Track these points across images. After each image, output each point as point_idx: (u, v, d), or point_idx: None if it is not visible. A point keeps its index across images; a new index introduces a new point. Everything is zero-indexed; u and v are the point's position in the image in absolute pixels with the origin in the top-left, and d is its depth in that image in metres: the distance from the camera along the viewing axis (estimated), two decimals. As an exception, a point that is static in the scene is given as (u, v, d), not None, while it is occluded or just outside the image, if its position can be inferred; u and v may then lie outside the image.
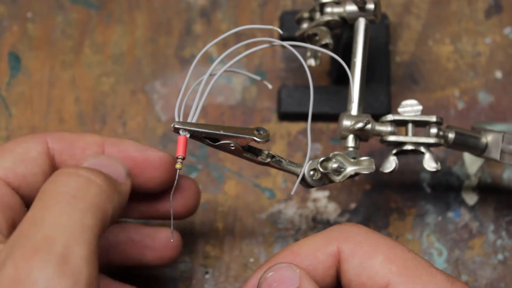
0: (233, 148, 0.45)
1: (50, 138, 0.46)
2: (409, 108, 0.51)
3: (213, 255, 0.58)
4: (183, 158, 0.44)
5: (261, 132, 0.45)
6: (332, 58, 0.61)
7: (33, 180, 0.44)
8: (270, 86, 0.50)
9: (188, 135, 0.44)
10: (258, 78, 0.49)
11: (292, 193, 0.48)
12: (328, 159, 0.49)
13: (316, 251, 0.44)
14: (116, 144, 0.48)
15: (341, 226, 0.45)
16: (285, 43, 0.46)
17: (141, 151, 0.48)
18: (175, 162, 0.44)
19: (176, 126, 0.44)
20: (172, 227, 0.45)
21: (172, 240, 0.49)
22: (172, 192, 0.46)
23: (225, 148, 0.46)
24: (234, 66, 0.46)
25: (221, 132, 0.45)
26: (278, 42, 0.46)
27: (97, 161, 0.45)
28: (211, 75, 0.45)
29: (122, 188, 0.44)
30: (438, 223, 0.59)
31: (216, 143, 0.45)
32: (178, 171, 0.44)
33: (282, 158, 0.48)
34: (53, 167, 0.46)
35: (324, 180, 0.49)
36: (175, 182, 0.44)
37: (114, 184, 0.43)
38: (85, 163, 0.45)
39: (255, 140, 0.45)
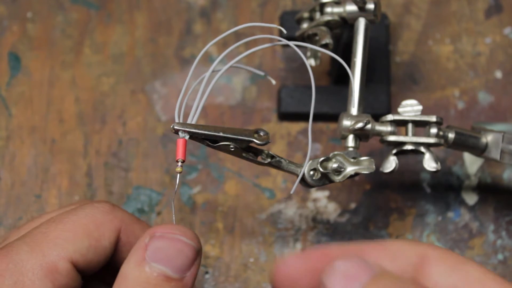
0: (232, 149, 0.45)
1: (124, 230, 0.45)
2: (409, 108, 0.51)
3: (213, 255, 0.58)
4: (183, 161, 0.44)
5: (261, 134, 0.45)
6: (332, 58, 0.61)
7: (96, 266, 0.44)
8: (274, 82, 0.50)
9: (187, 137, 0.44)
10: (262, 73, 0.49)
11: (292, 192, 0.48)
12: (328, 159, 0.49)
13: (401, 250, 0.40)
14: None
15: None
16: (291, 43, 0.45)
17: None
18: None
19: (175, 127, 0.44)
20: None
21: None
22: (174, 196, 0.46)
23: (224, 149, 0.46)
24: (235, 67, 0.45)
25: (221, 134, 0.45)
26: (284, 41, 0.46)
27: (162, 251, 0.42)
28: (214, 71, 0.45)
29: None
30: (438, 223, 0.59)
31: (216, 144, 0.45)
32: (178, 174, 0.44)
33: (282, 158, 0.48)
34: (113, 253, 0.45)
35: (324, 180, 0.49)
36: (177, 185, 0.44)
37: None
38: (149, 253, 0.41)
39: (255, 143, 0.45)
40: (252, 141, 0.45)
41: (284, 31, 0.47)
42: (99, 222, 0.44)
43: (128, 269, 0.41)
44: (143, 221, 0.46)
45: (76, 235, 0.43)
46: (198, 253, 0.42)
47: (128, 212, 0.46)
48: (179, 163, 0.44)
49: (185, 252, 0.41)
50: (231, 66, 0.45)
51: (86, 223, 0.44)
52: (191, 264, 0.41)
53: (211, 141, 0.45)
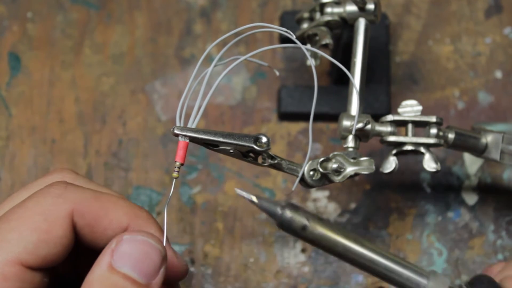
0: (232, 152, 0.45)
1: (77, 212, 0.42)
2: (409, 109, 0.51)
3: (213, 255, 0.58)
4: (182, 164, 0.43)
5: (262, 140, 0.45)
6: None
7: (54, 258, 0.42)
8: (277, 73, 0.50)
9: (187, 140, 0.44)
10: (265, 64, 0.49)
11: (293, 189, 0.48)
12: (328, 160, 0.49)
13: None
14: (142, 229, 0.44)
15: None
16: (303, 47, 0.45)
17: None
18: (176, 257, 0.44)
19: (175, 131, 0.44)
20: (164, 241, 0.44)
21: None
22: (167, 202, 0.45)
23: (224, 152, 0.46)
24: (235, 67, 0.45)
25: (220, 140, 0.45)
26: (301, 45, 0.45)
27: (131, 254, 0.41)
28: (217, 65, 0.45)
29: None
30: (438, 223, 0.59)
31: (216, 148, 0.45)
32: (174, 180, 0.43)
33: (282, 159, 0.48)
34: (73, 239, 0.43)
35: (324, 180, 0.49)
36: (171, 190, 0.44)
37: None
38: (117, 257, 0.40)
39: (255, 149, 0.45)
40: (252, 147, 0.45)
41: (293, 36, 0.46)
42: (48, 211, 0.42)
43: (94, 275, 0.40)
44: (106, 196, 0.43)
45: (22, 233, 0.41)
46: (163, 259, 0.41)
47: (84, 191, 0.43)
48: (176, 168, 0.43)
49: (151, 255, 0.41)
50: (233, 61, 0.44)
51: (33, 215, 0.42)
52: (158, 269, 0.41)
53: (211, 144, 0.45)
